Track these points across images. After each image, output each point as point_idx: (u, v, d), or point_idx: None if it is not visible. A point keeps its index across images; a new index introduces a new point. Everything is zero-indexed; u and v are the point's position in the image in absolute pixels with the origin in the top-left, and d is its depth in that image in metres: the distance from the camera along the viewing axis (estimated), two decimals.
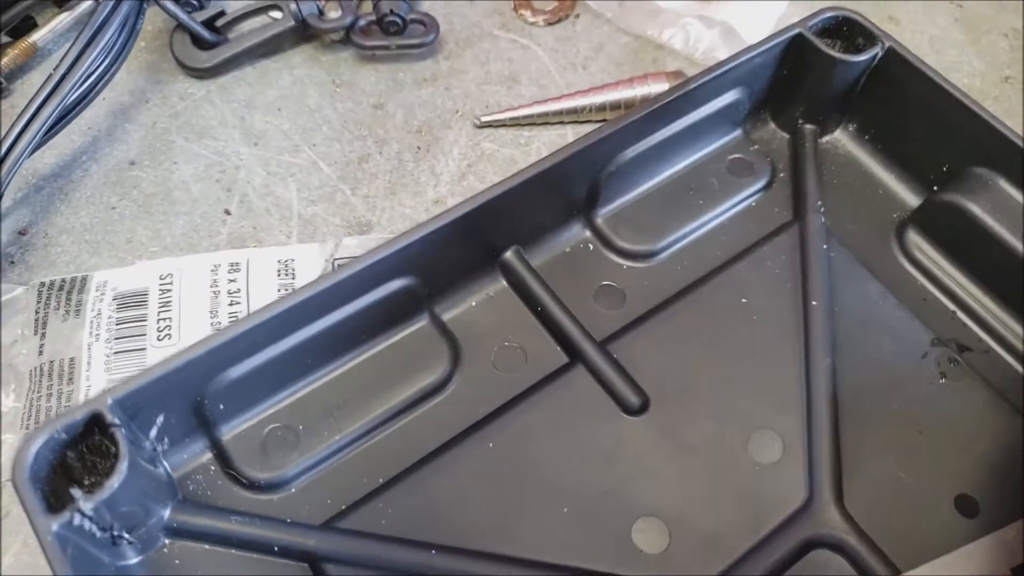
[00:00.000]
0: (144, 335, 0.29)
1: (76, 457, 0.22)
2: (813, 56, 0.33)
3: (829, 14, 0.33)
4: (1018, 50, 0.39)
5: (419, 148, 0.35)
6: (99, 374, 0.29)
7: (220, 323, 0.30)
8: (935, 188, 0.33)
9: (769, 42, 0.32)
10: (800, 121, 0.35)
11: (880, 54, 0.32)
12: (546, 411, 0.28)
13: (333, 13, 0.38)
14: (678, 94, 0.31)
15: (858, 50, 0.33)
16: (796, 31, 0.33)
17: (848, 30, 0.33)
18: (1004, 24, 0.39)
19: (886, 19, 0.40)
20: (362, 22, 0.38)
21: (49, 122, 0.32)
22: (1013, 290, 0.31)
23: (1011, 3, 0.40)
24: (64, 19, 0.39)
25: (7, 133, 0.32)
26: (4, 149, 0.31)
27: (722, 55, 0.37)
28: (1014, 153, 0.30)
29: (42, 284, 0.32)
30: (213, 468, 0.26)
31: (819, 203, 0.34)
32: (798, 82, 0.34)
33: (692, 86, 0.31)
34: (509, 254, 0.31)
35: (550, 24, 0.39)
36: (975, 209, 0.31)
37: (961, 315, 0.31)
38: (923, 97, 0.32)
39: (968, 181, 0.32)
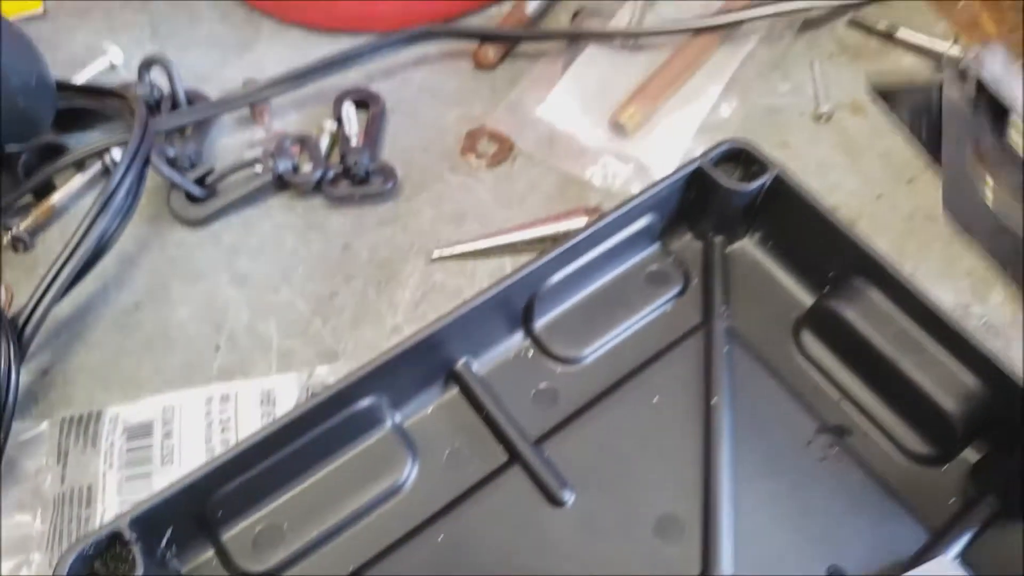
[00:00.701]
0: (150, 461, 0.35)
1: (102, 566, 0.28)
2: (712, 184, 0.40)
3: (726, 147, 0.41)
4: (889, 170, 0.46)
5: (380, 282, 0.43)
6: (112, 497, 0.35)
7: (215, 448, 0.36)
8: (823, 292, 0.40)
9: (673, 176, 0.40)
10: (710, 232, 0.43)
11: (769, 180, 0.40)
12: (487, 506, 0.34)
13: (306, 167, 0.46)
14: (590, 231, 0.38)
15: (753, 176, 0.40)
16: (696, 165, 0.40)
17: (744, 157, 0.41)
18: (879, 147, 0.47)
19: (780, 144, 0.47)
20: (330, 174, 0.46)
21: (69, 279, 0.40)
22: (884, 383, 0.37)
23: (885, 128, 0.48)
24: (78, 181, 0.47)
25: (34, 292, 0.39)
26: (31, 307, 0.38)
27: (636, 188, 0.45)
28: (880, 267, 0.37)
29: (63, 419, 0.38)
30: (215, 563, 0.33)
31: (724, 307, 0.40)
32: (705, 203, 0.41)
33: (601, 224, 0.38)
34: (459, 365, 0.38)
35: (491, 166, 0.47)
36: (849, 314, 0.38)
37: (844, 404, 0.38)
38: (806, 216, 0.39)
39: (846, 288, 0.39)
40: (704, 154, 0.40)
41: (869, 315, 0.37)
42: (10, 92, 0.41)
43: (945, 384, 0.35)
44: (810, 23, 0.52)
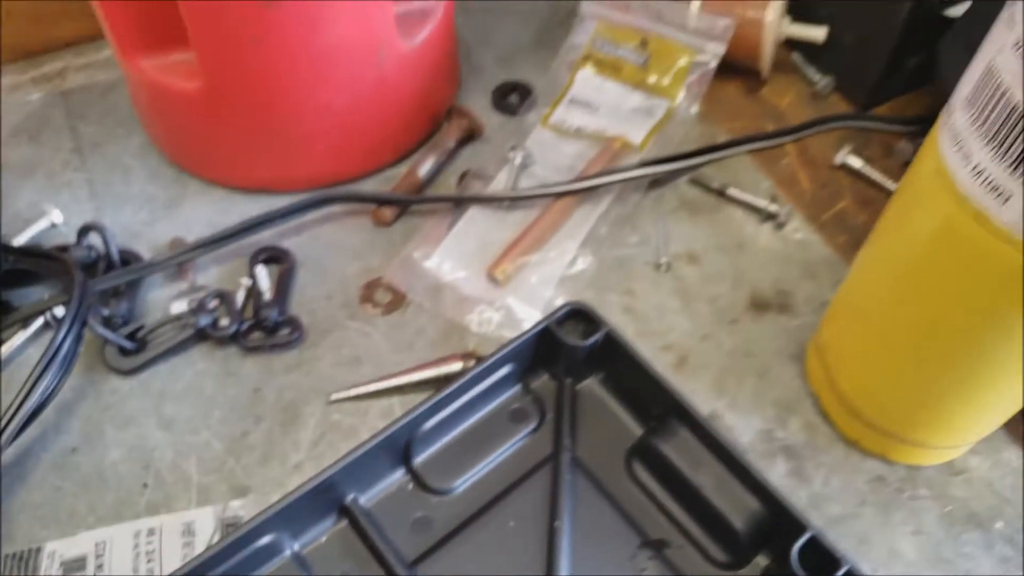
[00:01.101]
0: None
1: None
2: (557, 339, 0.50)
3: (568, 308, 0.50)
4: (715, 313, 0.57)
5: (285, 423, 0.51)
6: None
7: None
8: (648, 427, 0.50)
9: (528, 333, 0.49)
10: (562, 375, 0.52)
11: (600, 337, 0.50)
12: None
13: (224, 321, 0.54)
14: (461, 382, 0.47)
15: (590, 332, 0.50)
16: (544, 324, 0.50)
17: (584, 315, 0.51)
18: (708, 293, 0.58)
19: (626, 291, 0.58)
20: (244, 326, 0.54)
21: (16, 430, 0.47)
22: (692, 504, 0.47)
23: (715, 275, 0.59)
24: (21, 336, 0.54)
25: None
26: None
27: (506, 333, 0.54)
28: (686, 410, 0.47)
29: (5, 556, 0.45)
30: None
31: (570, 439, 0.49)
32: (555, 352, 0.51)
33: (470, 375, 0.48)
34: (348, 500, 0.46)
35: (386, 314, 0.56)
36: (665, 448, 0.47)
37: (663, 521, 0.47)
38: (632, 365, 0.49)
39: (664, 426, 0.48)
40: (551, 315, 0.50)
41: (680, 448, 0.47)
42: None
43: (735, 505, 0.45)
44: (657, 182, 0.63)
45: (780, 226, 0.61)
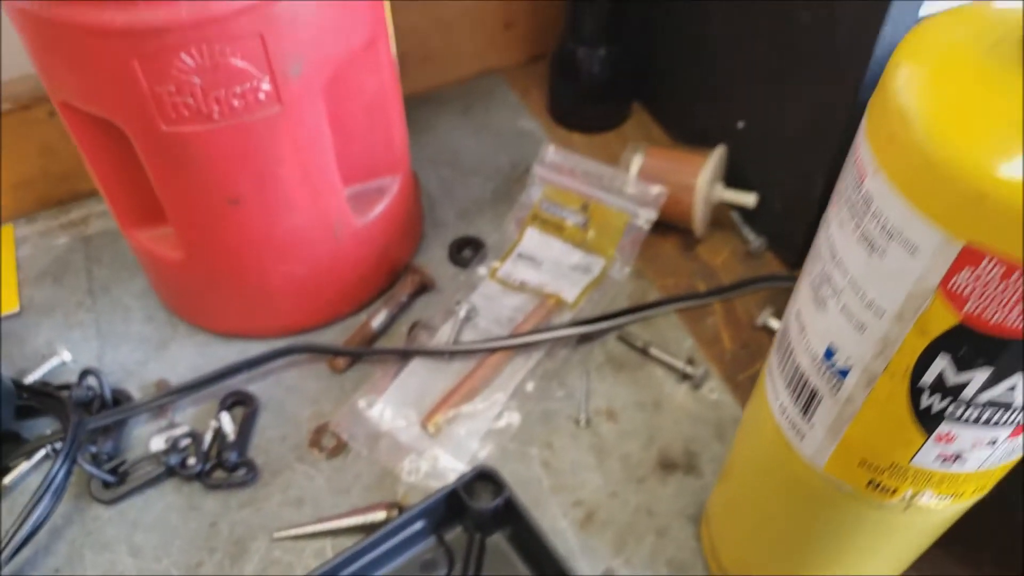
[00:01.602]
0: None
1: None
2: (459, 499, 0.57)
3: (476, 472, 0.58)
4: (626, 471, 0.63)
5: (234, 556, 0.60)
6: None
7: None
8: None
9: (439, 493, 0.57)
10: (472, 528, 0.59)
11: (503, 500, 0.57)
12: None
13: (191, 460, 0.64)
14: (379, 534, 0.56)
15: (499, 492, 0.57)
16: (452, 487, 0.57)
17: (491, 478, 0.58)
18: (622, 450, 0.64)
19: (546, 445, 0.65)
20: (208, 466, 0.64)
21: (14, 550, 0.57)
22: None
23: (631, 432, 0.65)
24: (25, 466, 0.65)
25: None
26: None
27: (433, 483, 0.62)
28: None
29: None
30: None
31: None
32: (466, 509, 0.58)
33: (386, 529, 0.56)
34: None
35: (330, 458, 0.65)
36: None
37: None
38: (528, 527, 0.56)
39: None
40: (460, 478, 0.57)
41: None
42: None
43: None
44: (587, 337, 0.70)
45: (696, 386, 0.67)
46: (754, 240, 0.75)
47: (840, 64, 0.58)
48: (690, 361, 0.68)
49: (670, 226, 0.76)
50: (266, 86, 0.51)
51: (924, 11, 0.55)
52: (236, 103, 0.51)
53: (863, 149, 0.30)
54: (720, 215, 0.77)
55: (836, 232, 0.33)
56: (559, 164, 0.77)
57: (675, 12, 0.77)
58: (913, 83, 0.27)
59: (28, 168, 0.78)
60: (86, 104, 0.53)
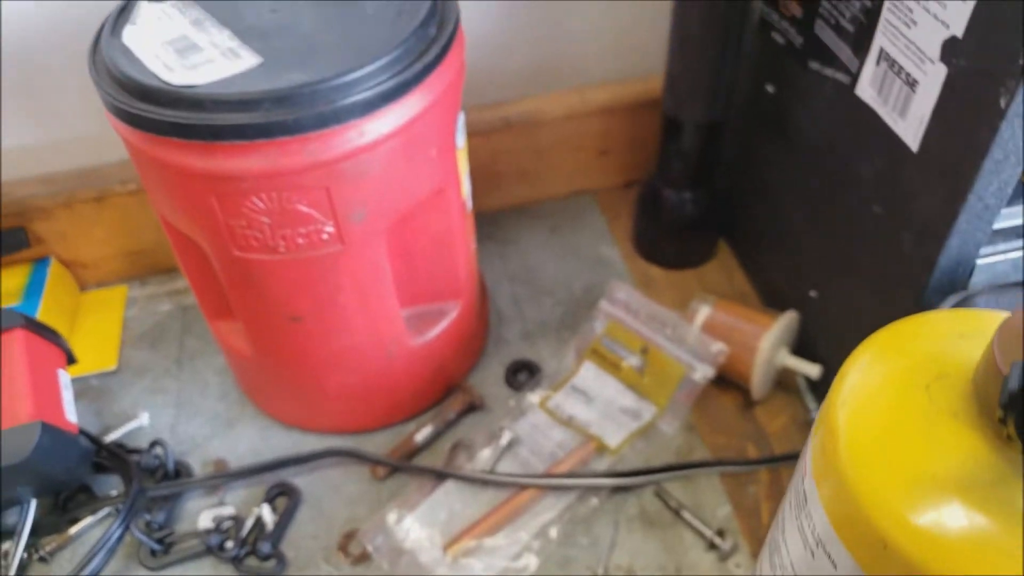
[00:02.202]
0: None
1: None
2: None
3: None
4: None
5: None
6: None
7: None
8: None
9: None
10: None
11: None
12: None
13: (229, 544, 0.68)
14: None
15: None
16: None
17: None
18: None
19: None
20: (243, 552, 0.68)
21: None
22: None
23: None
24: (89, 520, 0.72)
25: None
26: None
27: None
28: None
29: None
30: None
31: None
32: None
33: None
34: None
35: (353, 564, 0.67)
36: None
37: None
38: None
39: None
40: None
41: None
42: (54, 474, 0.67)
43: None
44: (622, 486, 0.70)
45: (723, 558, 0.66)
46: (815, 411, 0.73)
47: (906, 264, 0.57)
48: (720, 532, 0.67)
49: (731, 382, 0.75)
50: (329, 228, 0.56)
51: (998, 224, 0.53)
52: (300, 240, 0.56)
53: (807, 443, 0.30)
54: (787, 378, 0.76)
55: (787, 509, 0.33)
56: (625, 302, 0.78)
57: (760, 172, 0.77)
58: (851, 401, 0.28)
59: (146, 238, 0.88)
60: (175, 222, 0.59)
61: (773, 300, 0.81)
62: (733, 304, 0.76)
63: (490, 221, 0.95)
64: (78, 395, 0.80)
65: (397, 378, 0.71)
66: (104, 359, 0.83)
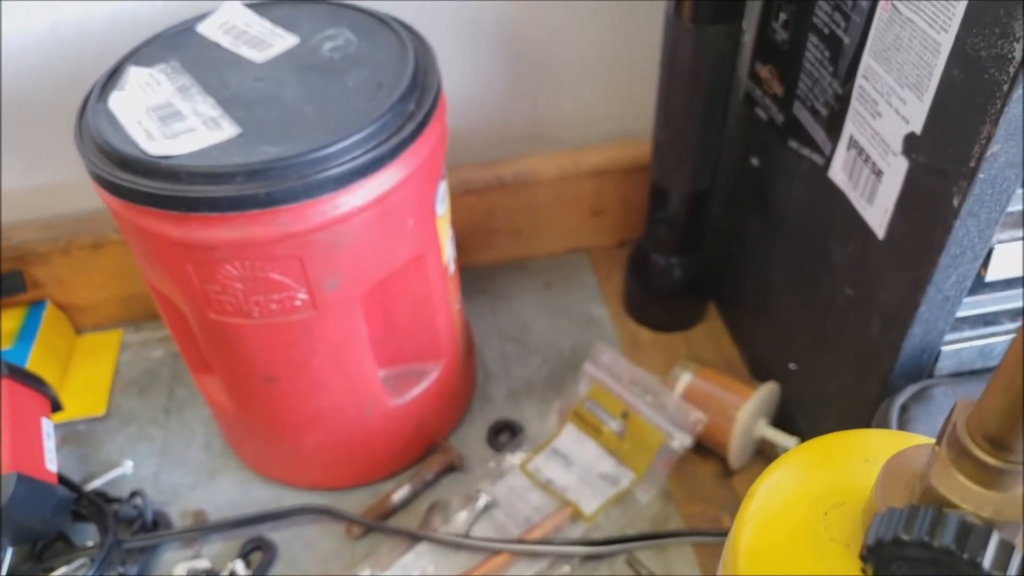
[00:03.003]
0: None
1: None
2: None
3: None
4: None
5: None
6: None
7: None
8: None
9: None
10: None
11: None
12: None
13: None
14: None
15: None
16: None
17: None
18: None
19: None
20: None
21: None
22: None
23: None
24: (64, 570, 0.73)
25: None
26: None
27: None
28: None
29: None
30: None
31: None
32: None
33: None
34: None
35: None
36: None
37: None
38: None
39: None
40: None
41: None
42: (30, 524, 0.69)
43: None
44: (596, 555, 0.70)
45: None
46: None
47: (874, 347, 0.57)
48: None
49: (710, 450, 0.75)
50: (303, 295, 0.57)
51: (961, 312, 0.54)
52: (274, 306, 0.57)
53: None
54: (767, 448, 0.76)
55: None
56: (609, 366, 0.79)
57: (745, 241, 0.78)
58: (755, 520, 0.28)
59: (142, 284, 0.90)
60: (155, 284, 0.61)
61: (757, 368, 0.81)
62: (714, 372, 0.76)
63: (484, 276, 0.97)
64: (64, 440, 0.82)
65: (375, 438, 0.72)
66: (93, 404, 0.85)
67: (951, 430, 0.26)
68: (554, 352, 0.88)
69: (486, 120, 0.89)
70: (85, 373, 0.88)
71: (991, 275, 0.50)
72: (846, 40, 0.54)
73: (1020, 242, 0.50)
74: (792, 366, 0.72)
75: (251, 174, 0.51)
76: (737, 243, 0.80)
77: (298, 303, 0.58)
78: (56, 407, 0.74)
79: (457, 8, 0.80)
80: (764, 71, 0.67)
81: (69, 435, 0.83)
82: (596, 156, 0.91)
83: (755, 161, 0.72)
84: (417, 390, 0.72)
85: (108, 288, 0.91)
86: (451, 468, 0.77)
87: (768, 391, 0.73)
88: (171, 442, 0.82)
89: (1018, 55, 0.39)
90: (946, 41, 0.44)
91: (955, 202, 0.44)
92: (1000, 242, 0.49)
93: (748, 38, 0.69)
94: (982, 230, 0.47)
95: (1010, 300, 0.55)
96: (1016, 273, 0.51)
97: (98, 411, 0.85)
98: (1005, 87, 0.40)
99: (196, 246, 0.54)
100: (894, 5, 0.49)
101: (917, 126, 0.47)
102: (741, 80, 0.72)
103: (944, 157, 0.45)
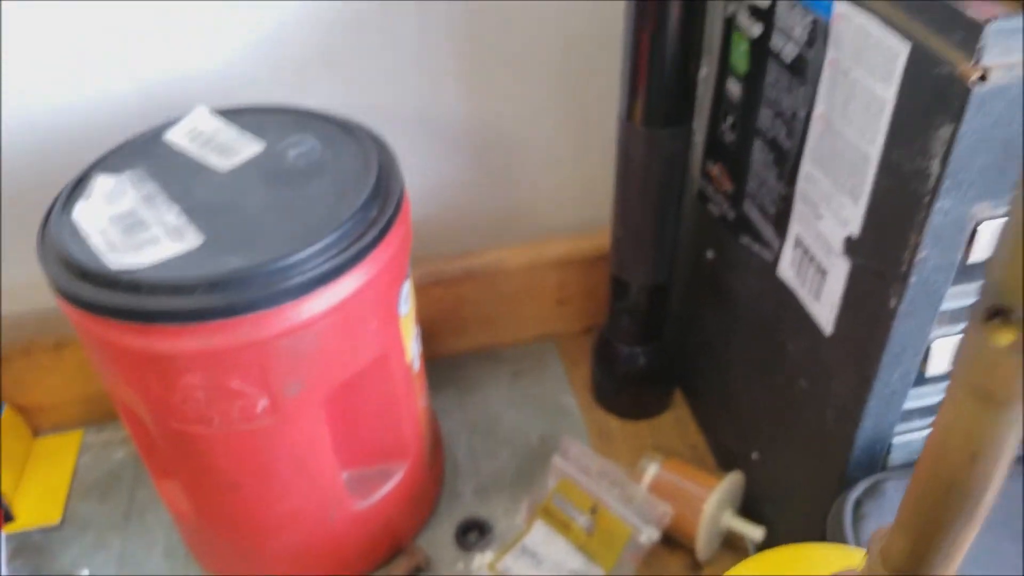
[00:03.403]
0: None
1: None
2: None
3: None
4: None
5: None
6: None
7: None
8: None
9: None
10: None
11: None
12: None
13: None
14: None
15: None
16: None
17: None
18: None
19: None
20: None
21: None
22: None
23: None
24: None
25: None
26: None
27: None
28: None
29: None
30: None
31: None
32: None
33: None
34: None
35: None
36: None
37: None
38: None
39: None
40: None
41: None
42: None
43: None
44: None
45: None
46: None
47: (830, 439, 0.59)
48: None
49: (678, 542, 0.75)
50: (264, 402, 0.58)
51: (909, 404, 0.56)
52: (236, 414, 0.58)
53: None
54: (734, 538, 0.76)
55: None
56: (577, 458, 0.79)
57: (705, 332, 0.80)
58: None
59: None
60: (115, 392, 0.62)
61: (723, 456, 0.82)
62: (680, 463, 0.77)
63: (454, 365, 0.98)
64: (17, 551, 0.80)
65: (340, 541, 0.72)
66: (49, 512, 0.84)
67: (868, 559, 0.27)
68: (523, 444, 0.88)
69: (454, 212, 0.92)
70: (42, 478, 0.87)
71: (931, 370, 0.52)
72: (787, 146, 0.58)
73: (959, 337, 0.52)
74: (755, 455, 0.73)
75: (212, 285, 0.53)
76: (697, 333, 0.82)
77: (260, 409, 0.59)
78: (8, 517, 0.73)
79: (424, 107, 0.83)
80: (715, 169, 0.70)
81: (23, 546, 0.81)
82: (560, 247, 0.94)
83: (710, 255, 0.74)
84: (382, 491, 0.72)
85: (70, 389, 0.90)
86: (418, 570, 0.76)
87: (733, 481, 0.74)
88: (130, 550, 0.81)
89: (935, 170, 0.42)
90: (874, 153, 0.47)
91: (892, 303, 0.47)
92: (938, 337, 0.51)
93: (700, 137, 0.72)
94: (920, 328, 0.49)
95: None
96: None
97: (53, 520, 0.83)
98: (926, 199, 0.43)
99: (157, 356, 0.54)
100: (827, 119, 0.52)
101: (855, 230, 0.50)
102: (694, 177, 0.75)
103: (881, 260, 0.48)
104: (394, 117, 0.82)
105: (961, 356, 0.24)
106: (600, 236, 0.94)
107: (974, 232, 0.47)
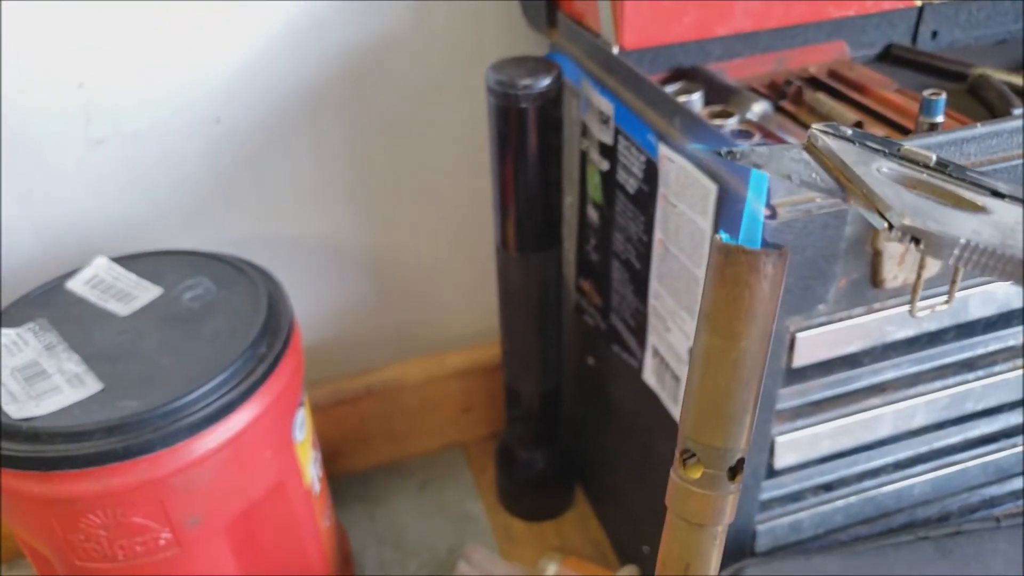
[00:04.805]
0: None
1: None
2: None
3: None
4: None
5: None
6: None
7: None
8: None
9: None
10: None
11: None
12: None
13: None
14: None
15: None
16: None
17: None
18: None
19: None
20: None
21: None
22: None
23: None
24: None
25: None
26: None
27: None
28: None
29: None
30: None
31: None
32: None
33: None
34: None
35: None
36: None
37: None
38: None
39: None
40: None
41: None
42: None
43: None
44: None
45: None
46: None
47: None
48: None
49: None
50: (166, 535, 0.61)
51: (765, 495, 0.62)
52: (139, 548, 0.61)
53: None
54: None
55: None
56: (480, 563, 0.84)
57: (594, 434, 0.87)
58: None
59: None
60: (20, 535, 0.64)
61: (621, 551, 0.87)
62: (578, 561, 0.82)
63: (361, 481, 1.01)
64: None
65: None
66: None
67: None
68: (430, 555, 0.92)
69: (353, 332, 0.97)
70: None
71: (779, 463, 0.59)
72: (638, 266, 0.65)
73: (798, 432, 0.60)
74: (645, 549, 0.78)
75: (110, 430, 0.57)
76: (590, 434, 0.88)
77: (162, 542, 0.62)
78: None
79: (318, 235, 0.89)
80: (586, 285, 0.78)
81: None
82: (460, 358, 1.00)
83: (591, 361, 0.81)
84: None
85: None
86: None
87: (628, 575, 0.79)
88: None
89: None
90: (701, 274, 0.55)
91: None
92: (780, 434, 0.59)
93: (571, 256, 0.80)
94: (761, 427, 0.56)
95: (808, 478, 0.64)
96: (797, 460, 0.61)
97: None
98: None
99: (57, 500, 0.58)
100: (664, 244, 0.60)
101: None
102: (571, 291, 0.82)
103: None
104: (290, 247, 0.88)
105: (670, 489, 0.31)
106: (499, 345, 1.00)
107: (793, 340, 0.55)
